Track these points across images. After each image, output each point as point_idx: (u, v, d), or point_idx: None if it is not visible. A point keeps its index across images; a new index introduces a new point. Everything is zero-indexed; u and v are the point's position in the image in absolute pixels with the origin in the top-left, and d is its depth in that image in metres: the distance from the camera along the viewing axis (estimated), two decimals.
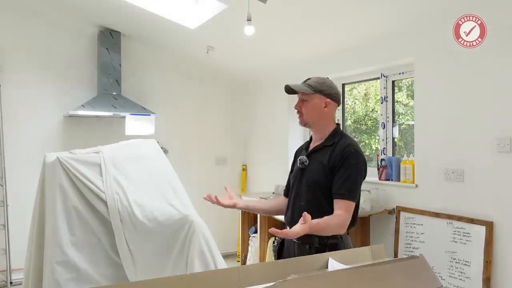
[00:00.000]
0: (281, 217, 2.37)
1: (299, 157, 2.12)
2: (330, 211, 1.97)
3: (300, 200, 2.06)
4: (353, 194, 1.96)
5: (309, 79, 2.11)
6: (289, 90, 2.10)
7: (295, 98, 2.19)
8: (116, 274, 2.41)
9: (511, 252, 2.72)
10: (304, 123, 2.12)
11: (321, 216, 1.91)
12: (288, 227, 2.12)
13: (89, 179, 2.46)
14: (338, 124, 2.15)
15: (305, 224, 1.74)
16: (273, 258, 2.33)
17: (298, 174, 2.12)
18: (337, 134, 2.10)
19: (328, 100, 2.07)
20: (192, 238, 2.42)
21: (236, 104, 5.65)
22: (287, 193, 2.28)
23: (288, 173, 2.35)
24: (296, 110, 2.13)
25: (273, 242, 2.29)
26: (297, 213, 2.03)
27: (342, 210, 1.93)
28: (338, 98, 2.12)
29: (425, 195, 3.25)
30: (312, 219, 1.91)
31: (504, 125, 2.74)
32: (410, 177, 3.38)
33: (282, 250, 2.17)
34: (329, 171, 1.99)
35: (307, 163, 2.07)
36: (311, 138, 2.22)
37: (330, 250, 1.88)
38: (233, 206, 2.30)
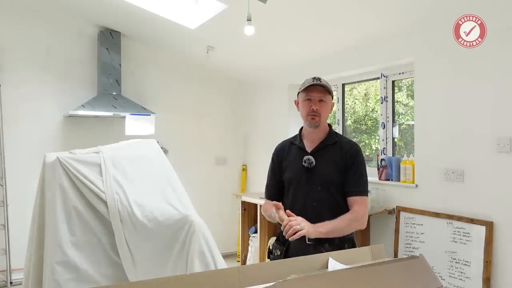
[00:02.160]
0: None
1: (305, 157, 2.06)
2: (345, 208, 2.02)
3: (312, 200, 2.02)
4: (366, 188, 2.06)
5: (318, 78, 2.06)
6: (311, 85, 2.03)
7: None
8: (116, 274, 2.41)
9: (511, 252, 2.72)
10: (318, 124, 2.07)
11: (337, 214, 1.96)
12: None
13: (89, 179, 2.46)
14: (329, 124, 2.18)
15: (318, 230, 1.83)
16: None
17: (304, 174, 2.07)
18: (333, 133, 2.15)
19: (333, 101, 2.14)
20: (192, 238, 2.42)
21: (236, 104, 5.65)
22: (275, 196, 2.18)
23: (270, 175, 2.25)
24: (313, 111, 2.04)
25: (271, 252, 2.19)
26: (310, 214, 2.00)
27: (358, 205, 1.99)
28: None
29: (425, 195, 3.25)
30: (327, 217, 1.96)
31: (504, 125, 2.74)
32: (410, 177, 3.38)
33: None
34: (342, 169, 2.03)
35: (314, 162, 2.05)
36: (299, 138, 2.16)
37: (349, 245, 1.98)
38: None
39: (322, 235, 1.91)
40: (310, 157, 2.06)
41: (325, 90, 2.04)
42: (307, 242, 2.00)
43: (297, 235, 1.80)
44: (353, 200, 2.00)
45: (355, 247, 2.05)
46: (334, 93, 4.35)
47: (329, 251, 1.81)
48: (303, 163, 2.06)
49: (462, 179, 2.99)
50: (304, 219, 1.87)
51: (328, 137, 2.11)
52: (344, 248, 1.91)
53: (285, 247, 2.08)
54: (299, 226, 1.81)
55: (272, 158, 2.27)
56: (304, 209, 2.03)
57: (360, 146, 2.16)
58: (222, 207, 5.45)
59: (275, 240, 2.18)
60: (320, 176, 2.04)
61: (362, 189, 2.02)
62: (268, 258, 2.24)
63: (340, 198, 2.03)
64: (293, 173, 2.11)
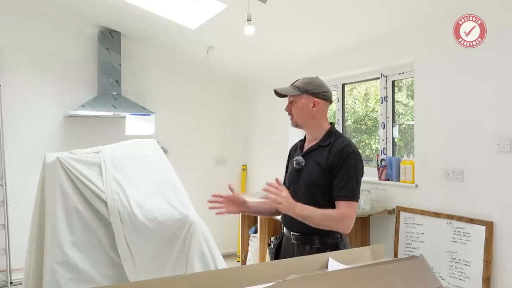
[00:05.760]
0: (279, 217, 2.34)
1: (295, 158, 2.10)
2: None
3: (298, 201, 2.01)
4: (354, 193, 1.97)
5: (297, 80, 2.13)
6: (279, 93, 2.15)
7: None
8: (116, 274, 2.41)
9: (511, 252, 2.72)
10: (295, 124, 2.13)
11: None
12: (285, 228, 2.12)
13: (89, 179, 2.46)
14: (332, 124, 2.14)
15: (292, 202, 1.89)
16: (270, 260, 2.32)
17: (294, 175, 2.10)
18: (332, 134, 2.09)
19: (316, 99, 2.06)
20: (192, 238, 2.42)
21: (236, 104, 5.65)
22: None
23: (284, 172, 2.32)
24: (287, 112, 2.15)
25: (269, 244, 2.27)
26: None
27: (343, 208, 1.94)
28: (328, 96, 2.10)
29: (425, 195, 3.25)
30: None
31: (504, 125, 2.74)
32: (410, 177, 3.38)
33: (279, 252, 2.14)
34: (327, 171, 1.99)
35: (304, 163, 2.07)
36: (305, 138, 2.21)
37: (331, 250, 1.89)
38: (242, 212, 2.26)
39: (294, 216, 1.93)
40: (300, 157, 2.08)
41: (293, 91, 2.08)
42: (292, 241, 2.05)
43: (270, 200, 1.89)
44: (339, 204, 1.96)
45: None
46: (334, 93, 4.38)
47: (310, 253, 1.88)
48: (294, 164, 2.10)
49: (462, 179, 2.99)
50: (288, 194, 1.92)
51: (325, 137, 2.08)
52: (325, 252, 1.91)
53: (279, 242, 2.17)
54: (279, 195, 1.87)
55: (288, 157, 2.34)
56: None
57: (356, 148, 2.06)
58: None
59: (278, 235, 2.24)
60: (305, 177, 2.05)
61: (348, 193, 1.95)
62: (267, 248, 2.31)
63: (323, 200, 1.99)
64: (289, 173, 2.18)
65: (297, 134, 4.74)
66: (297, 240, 2.03)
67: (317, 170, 2.02)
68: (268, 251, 2.31)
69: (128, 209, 2.45)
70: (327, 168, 1.99)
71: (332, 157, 1.99)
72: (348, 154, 1.98)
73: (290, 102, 2.12)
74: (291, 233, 2.05)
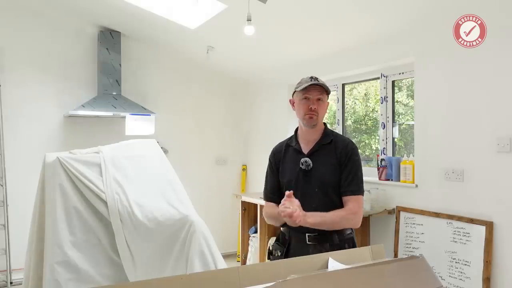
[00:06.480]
0: None
1: (302, 159, 2.05)
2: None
3: (310, 202, 1.99)
4: (360, 188, 2.03)
5: (316, 78, 2.06)
6: (315, 85, 2.02)
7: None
8: (116, 274, 2.41)
9: (511, 252, 2.72)
10: (314, 124, 2.06)
11: None
12: (291, 231, 2.05)
13: (89, 179, 2.46)
14: (325, 123, 2.17)
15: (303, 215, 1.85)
16: None
17: (300, 177, 2.05)
18: (329, 133, 2.12)
19: (328, 101, 2.13)
20: (192, 238, 2.42)
21: (236, 104, 5.65)
22: (276, 198, 2.11)
23: (269, 177, 2.21)
24: (311, 110, 2.02)
25: (271, 253, 2.18)
26: None
27: (351, 203, 1.98)
28: None
29: (425, 195, 3.25)
30: None
31: (504, 125, 2.74)
32: (410, 177, 3.38)
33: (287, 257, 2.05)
34: (337, 168, 2.03)
35: (311, 164, 2.04)
36: (296, 140, 2.15)
37: (349, 245, 1.97)
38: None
39: (308, 225, 1.92)
40: (307, 159, 2.05)
41: (323, 89, 2.04)
42: (307, 242, 2.00)
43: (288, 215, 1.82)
44: (347, 199, 2.00)
45: (355, 247, 2.05)
46: (334, 93, 4.39)
47: (329, 251, 1.83)
48: (301, 166, 2.04)
49: (462, 179, 2.99)
50: (299, 205, 1.88)
51: (324, 137, 2.10)
52: (344, 248, 1.91)
53: (286, 248, 2.06)
54: (291, 209, 1.83)
55: (270, 160, 2.24)
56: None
57: (356, 144, 2.14)
58: (222, 207, 5.45)
59: (275, 241, 2.17)
60: (317, 178, 2.03)
61: (356, 188, 2.00)
62: (268, 259, 2.23)
63: (337, 199, 2.02)
64: (291, 176, 2.09)
65: None
66: (314, 240, 1.99)
67: (328, 168, 2.03)
68: (270, 259, 2.23)
69: (128, 209, 2.45)
70: (338, 166, 2.02)
71: (339, 154, 2.03)
72: (353, 150, 2.05)
73: (317, 100, 2.04)
74: (306, 234, 1.99)
